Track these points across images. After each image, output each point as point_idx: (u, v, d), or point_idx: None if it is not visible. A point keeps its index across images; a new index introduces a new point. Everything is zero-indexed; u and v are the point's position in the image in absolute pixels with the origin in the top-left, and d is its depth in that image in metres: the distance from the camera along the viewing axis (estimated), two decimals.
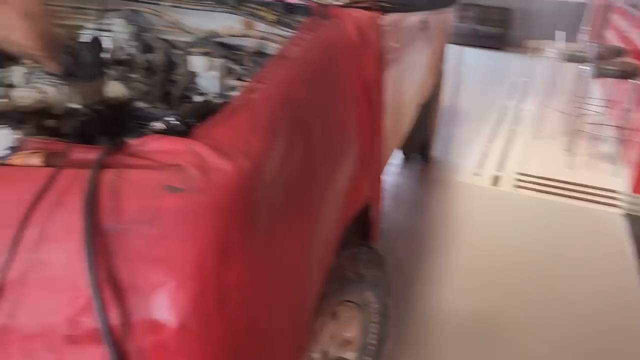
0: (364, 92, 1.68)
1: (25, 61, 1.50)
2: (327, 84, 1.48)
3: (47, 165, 0.93)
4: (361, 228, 1.90)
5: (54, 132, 1.51)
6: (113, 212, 0.88)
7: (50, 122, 1.47)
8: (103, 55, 1.57)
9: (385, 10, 2.08)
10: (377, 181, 1.86)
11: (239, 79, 1.71)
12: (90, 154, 0.97)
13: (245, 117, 1.11)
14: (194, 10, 1.77)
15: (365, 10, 1.90)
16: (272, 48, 1.75)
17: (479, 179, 4.39)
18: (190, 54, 1.62)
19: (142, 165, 0.96)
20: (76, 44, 1.51)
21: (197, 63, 1.61)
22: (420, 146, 4.40)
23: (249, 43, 1.77)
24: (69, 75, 1.44)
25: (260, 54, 1.79)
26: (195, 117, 1.33)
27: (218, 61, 1.66)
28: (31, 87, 1.42)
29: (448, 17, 3.97)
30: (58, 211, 0.88)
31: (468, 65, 7.73)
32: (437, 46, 3.54)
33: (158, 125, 1.15)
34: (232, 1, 1.73)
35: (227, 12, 1.75)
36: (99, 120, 1.62)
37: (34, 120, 1.46)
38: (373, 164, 1.76)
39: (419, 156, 4.54)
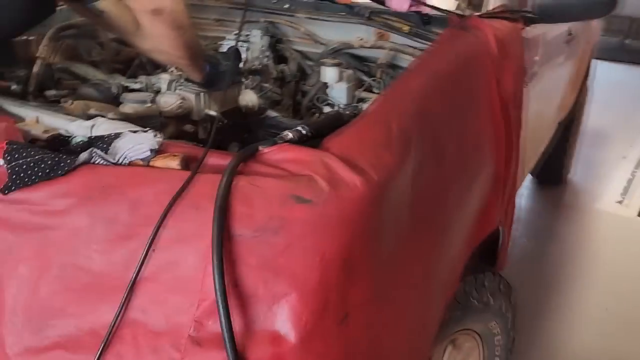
0: (502, 108, 1.57)
1: (171, 69, 1.59)
2: (463, 99, 1.39)
3: (184, 169, 0.96)
4: (488, 253, 1.77)
5: (192, 137, 1.60)
6: (242, 218, 0.89)
7: (189, 127, 1.55)
8: (240, 65, 1.63)
9: (528, 21, 1.94)
10: (510, 204, 1.72)
11: (370, 91, 1.68)
12: (224, 159, 0.99)
13: (377, 130, 1.07)
14: (328, 22, 1.77)
15: (507, 21, 1.78)
16: (405, 60, 1.70)
17: (623, 208, 3.95)
18: (321, 64, 1.62)
19: (272, 173, 0.95)
20: (217, 54, 1.57)
21: (328, 74, 1.61)
22: (555, 167, 4.07)
23: (382, 55, 1.74)
24: (208, 83, 1.50)
25: (392, 66, 1.75)
26: (325, 128, 1.32)
27: (349, 72, 1.65)
28: (174, 94, 1.51)
29: (595, 29, 3.64)
30: (191, 214, 0.90)
31: (614, 82, 7.06)
32: (582, 61, 3.26)
33: (289, 134, 1.15)
34: (365, 12, 1.71)
35: (360, 24, 1.73)
36: (234, 127, 1.68)
37: (175, 124, 1.55)
38: (507, 185, 1.64)
39: (553, 178, 4.20)
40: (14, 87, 1.73)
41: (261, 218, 0.89)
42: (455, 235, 1.31)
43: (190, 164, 0.97)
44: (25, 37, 1.84)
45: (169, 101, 1.49)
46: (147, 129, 1.05)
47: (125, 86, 1.66)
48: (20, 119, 1.18)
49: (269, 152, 1.00)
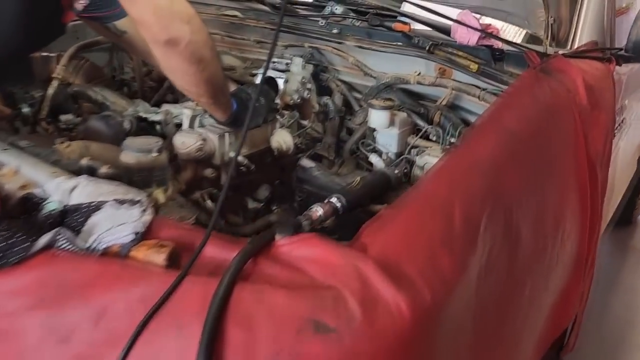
0: (590, 170, 1.26)
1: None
2: (544, 164, 1.10)
3: (172, 266, 0.72)
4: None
5: (213, 183, 1.38)
6: (239, 347, 0.64)
7: (209, 172, 1.33)
8: (276, 99, 1.40)
9: (621, 60, 1.62)
10: (588, 284, 1.41)
11: (427, 138, 1.41)
12: (227, 251, 0.75)
13: (434, 219, 0.81)
14: (381, 52, 1.52)
15: (596, 62, 1.47)
16: (470, 103, 1.43)
17: None
18: (370, 106, 1.37)
19: (286, 280, 0.71)
20: (247, 87, 1.34)
21: (377, 118, 1.35)
22: (625, 206, 3.62)
23: (443, 94, 1.46)
24: (234, 122, 1.28)
25: (454, 108, 1.47)
26: (366, 197, 1.06)
27: (402, 116, 1.39)
28: (194, 133, 1.28)
29: None
30: (172, 334, 0.67)
31: None
32: None
33: (318, 211, 0.90)
34: (426, 44, 1.44)
35: (419, 57, 1.47)
36: (266, 165, 1.45)
37: (194, 169, 1.33)
38: (589, 262, 1.33)
39: (621, 218, 3.75)
40: (25, 109, 1.56)
41: (266, 350, 0.64)
42: (526, 342, 1.02)
43: (179, 260, 0.73)
44: (45, 54, 1.68)
45: (187, 142, 1.27)
46: (138, 198, 0.82)
47: (142, 117, 1.46)
48: None
49: (288, 245, 0.75)
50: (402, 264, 0.72)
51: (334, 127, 1.66)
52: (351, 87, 1.68)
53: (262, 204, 1.52)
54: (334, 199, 0.95)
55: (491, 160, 0.96)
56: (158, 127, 1.44)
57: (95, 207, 0.81)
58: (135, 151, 1.04)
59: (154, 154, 1.05)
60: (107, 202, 0.82)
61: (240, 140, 0.88)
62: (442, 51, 1.43)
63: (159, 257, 0.72)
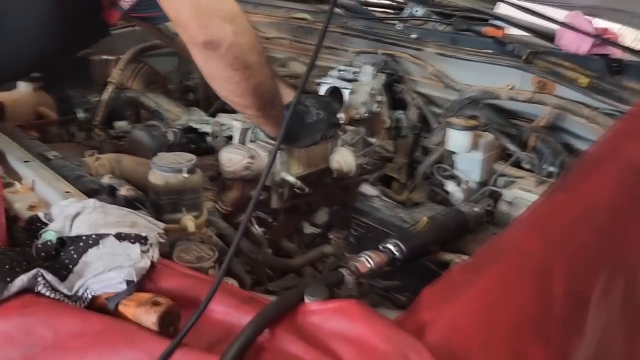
0: None
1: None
2: None
3: (163, 329, 0.55)
4: None
5: (263, 204, 1.21)
6: None
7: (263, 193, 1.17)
8: (337, 112, 1.21)
9: None
10: None
11: (517, 166, 1.17)
12: (241, 311, 0.57)
13: (524, 288, 0.58)
14: (467, 61, 1.29)
15: None
16: (578, 126, 1.17)
17: None
18: (450, 119, 1.14)
19: None
20: (307, 97, 1.17)
21: (456, 140, 1.12)
22: None
23: (542, 113, 1.21)
24: (288, 139, 1.11)
25: (555, 130, 1.22)
26: (432, 243, 0.84)
27: (488, 139, 1.15)
28: (242, 149, 1.13)
29: None
30: None
31: None
32: None
33: (367, 261, 0.70)
34: (523, 52, 1.19)
35: (513, 67, 1.22)
36: (316, 196, 1.26)
37: (240, 188, 1.17)
38: None
39: None
40: (80, 114, 1.48)
41: None
42: None
43: (174, 321, 0.56)
44: (104, 57, 1.60)
45: (234, 159, 1.12)
46: (144, 234, 0.67)
47: (193, 128, 1.33)
48: (15, 179, 0.87)
49: (319, 314, 0.56)
50: (473, 357, 0.51)
51: (407, 146, 1.45)
52: (429, 100, 1.46)
53: (320, 230, 1.34)
54: (391, 245, 0.74)
55: (608, 207, 0.71)
56: (209, 139, 1.30)
57: (94, 241, 0.67)
58: (164, 170, 0.89)
59: (185, 175, 0.89)
60: (108, 235, 0.67)
61: (276, 146, 0.69)
62: (543, 61, 1.17)
63: (150, 318, 0.55)
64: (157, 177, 0.90)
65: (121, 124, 1.47)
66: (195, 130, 1.31)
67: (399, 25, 1.44)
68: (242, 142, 1.19)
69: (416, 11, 1.45)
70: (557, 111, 1.20)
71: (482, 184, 1.16)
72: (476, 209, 0.93)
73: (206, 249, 0.76)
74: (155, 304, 0.56)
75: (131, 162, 1.02)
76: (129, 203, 0.83)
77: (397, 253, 0.74)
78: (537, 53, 1.19)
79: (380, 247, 0.75)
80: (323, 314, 0.56)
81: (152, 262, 0.63)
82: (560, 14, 1.21)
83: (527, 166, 1.15)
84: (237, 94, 0.98)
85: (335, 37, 1.56)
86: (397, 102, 1.46)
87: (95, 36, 1.12)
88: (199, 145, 1.27)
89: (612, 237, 0.68)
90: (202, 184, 0.95)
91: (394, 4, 1.56)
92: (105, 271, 0.61)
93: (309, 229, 1.34)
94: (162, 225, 0.74)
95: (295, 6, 1.71)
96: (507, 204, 1.03)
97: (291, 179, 1.15)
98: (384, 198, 1.11)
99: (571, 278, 0.61)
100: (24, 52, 0.98)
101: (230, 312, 0.59)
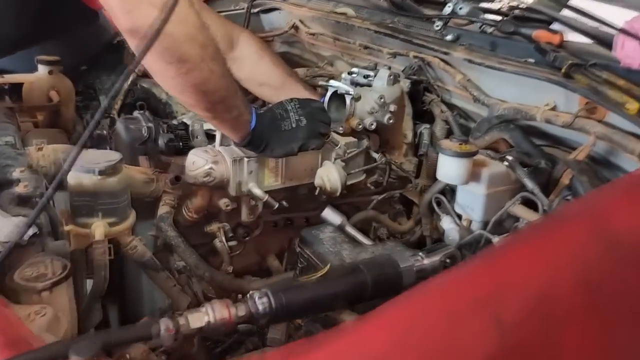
0: None
1: None
2: None
3: None
4: None
5: (229, 217, 1.08)
6: None
7: (224, 203, 1.04)
8: (327, 121, 1.04)
9: None
10: None
11: (534, 207, 0.91)
12: None
13: None
14: (504, 72, 1.03)
15: None
16: (630, 164, 0.88)
17: None
18: (440, 142, 0.92)
19: None
20: (289, 101, 1.01)
21: (447, 164, 0.89)
22: None
23: (585, 143, 0.93)
24: (254, 144, 0.97)
25: (601, 169, 0.93)
26: (332, 299, 0.64)
27: (496, 168, 0.90)
28: (205, 153, 1.01)
29: None
30: None
31: None
32: None
33: (206, 314, 0.54)
34: (563, 62, 0.92)
35: (551, 82, 0.95)
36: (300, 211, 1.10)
37: (207, 195, 1.06)
38: None
39: None
40: (104, 102, 1.48)
41: None
42: None
43: None
44: None
45: (197, 163, 1.01)
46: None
47: (186, 124, 1.24)
48: None
49: None
50: None
51: (431, 167, 1.23)
52: (464, 114, 1.22)
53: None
54: (257, 297, 0.58)
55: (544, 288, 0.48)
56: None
57: None
58: (77, 169, 0.81)
59: (98, 177, 0.80)
60: None
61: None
62: (587, 76, 0.90)
63: None
64: (71, 176, 0.82)
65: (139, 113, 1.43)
66: (172, 126, 1.21)
67: (438, 24, 1.22)
68: (226, 144, 1.08)
69: (460, 9, 1.22)
70: (606, 144, 0.91)
71: (487, 224, 0.92)
72: (426, 262, 0.72)
73: (58, 266, 0.66)
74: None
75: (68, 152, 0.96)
76: (22, 201, 0.76)
77: (261, 308, 0.57)
78: (581, 66, 0.91)
79: (246, 297, 0.59)
80: None
81: None
82: (621, 15, 0.92)
83: (545, 208, 0.89)
84: (178, 90, 0.87)
85: (373, 36, 1.38)
86: (424, 114, 1.25)
87: (78, 20, 1.08)
88: (187, 143, 1.18)
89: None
90: (126, 188, 0.86)
91: None
92: None
93: None
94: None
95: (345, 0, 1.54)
96: None
97: (257, 191, 1.01)
98: (348, 228, 0.92)
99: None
100: None
101: None
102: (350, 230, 0.91)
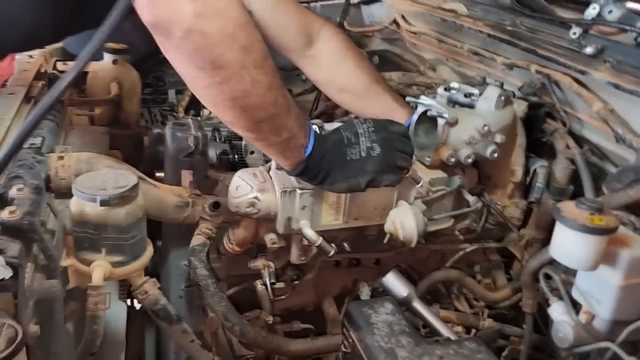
0: None
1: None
2: None
3: None
4: None
5: (279, 254, 0.88)
6: None
7: (271, 240, 0.84)
8: (408, 151, 0.80)
9: None
10: None
11: None
12: None
13: None
14: None
15: None
16: None
17: None
18: (559, 205, 0.64)
19: None
20: (362, 122, 0.79)
21: (570, 239, 0.62)
22: None
23: None
24: (309, 174, 0.76)
25: None
26: None
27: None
28: (255, 180, 0.82)
29: None
30: None
31: None
32: None
33: None
34: None
35: None
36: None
37: (252, 228, 0.87)
38: None
39: None
40: (172, 97, 1.35)
41: None
42: None
43: None
44: None
45: (242, 189, 0.82)
46: None
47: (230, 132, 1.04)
48: None
49: None
50: None
51: (545, 215, 0.94)
52: (598, 153, 0.92)
53: None
54: None
55: None
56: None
57: None
58: (78, 195, 0.65)
59: (99, 207, 0.64)
60: None
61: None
62: None
63: None
64: (73, 202, 0.67)
65: (206, 113, 1.28)
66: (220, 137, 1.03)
67: (575, 31, 0.92)
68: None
69: (610, 11, 0.91)
70: None
71: (618, 323, 0.64)
72: None
73: (4, 340, 0.50)
74: None
75: (110, 165, 0.81)
76: (7, 230, 0.62)
77: None
78: None
79: None
80: None
81: None
82: None
83: None
84: (211, 102, 0.68)
85: (486, 40, 1.10)
86: (543, 147, 0.96)
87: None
88: (243, 158, 1.00)
89: None
90: (139, 222, 0.69)
91: None
92: None
93: (366, 294, 0.97)
94: None
95: None
96: None
97: (309, 232, 0.80)
98: (415, 304, 0.68)
99: None
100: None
101: None
102: (418, 307, 0.68)
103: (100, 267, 0.65)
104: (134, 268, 0.69)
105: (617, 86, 0.78)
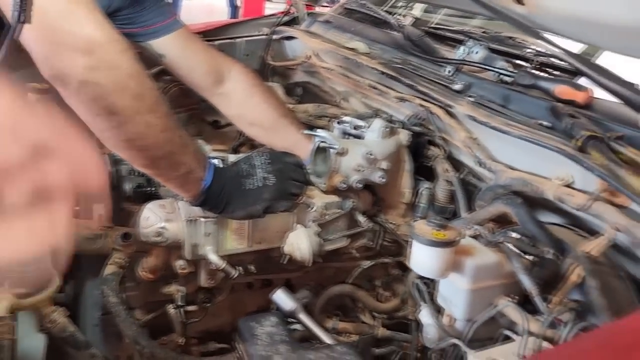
0: None
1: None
2: None
3: None
4: None
5: (188, 279, 0.96)
6: None
7: (179, 265, 0.92)
8: (301, 179, 0.90)
9: None
10: None
11: (533, 311, 0.73)
12: None
13: None
14: (507, 135, 0.86)
15: None
16: None
17: None
18: (415, 222, 0.75)
19: None
20: (260, 154, 0.89)
21: (421, 252, 0.73)
22: None
23: (603, 236, 0.74)
24: (210, 204, 0.84)
25: (623, 266, 0.74)
26: None
27: (487, 259, 0.73)
28: (163, 210, 0.90)
29: None
30: None
31: None
32: None
33: None
34: (578, 132, 0.74)
35: (567, 156, 0.77)
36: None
37: (161, 256, 0.95)
38: None
39: None
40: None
41: None
42: None
43: None
44: None
45: (151, 219, 0.90)
46: None
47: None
48: None
49: None
50: None
51: None
52: (475, 175, 1.05)
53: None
54: None
55: None
56: None
57: None
58: None
59: None
60: None
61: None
62: (604, 154, 0.71)
63: None
64: None
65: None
66: None
67: (448, 69, 1.06)
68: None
69: (476, 52, 1.05)
70: (629, 237, 0.72)
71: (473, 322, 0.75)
72: None
73: None
74: None
75: None
76: None
77: None
78: (597, 139, 0.73)
79: None
80: None
81: None
82: None
83: (547, 316, 0.71)
84: (110, 144, 0.76)
85: (380, 75, 1.23)
86: (430, 170, 1.09)
87: None
88: (158, 190, 1.07)
89: None
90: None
91: (459, 36, 1.16)
92: None
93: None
94: None
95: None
96: None
97: (213, 257, 0.89)
98: (301, 316, 0.78)
99: None
100: None
101: None
102: (304, 319, 0.77)
103: (3, 300, 0.71)
104: (39, 299, 0.75)
105: (473, 118, 0.91)
